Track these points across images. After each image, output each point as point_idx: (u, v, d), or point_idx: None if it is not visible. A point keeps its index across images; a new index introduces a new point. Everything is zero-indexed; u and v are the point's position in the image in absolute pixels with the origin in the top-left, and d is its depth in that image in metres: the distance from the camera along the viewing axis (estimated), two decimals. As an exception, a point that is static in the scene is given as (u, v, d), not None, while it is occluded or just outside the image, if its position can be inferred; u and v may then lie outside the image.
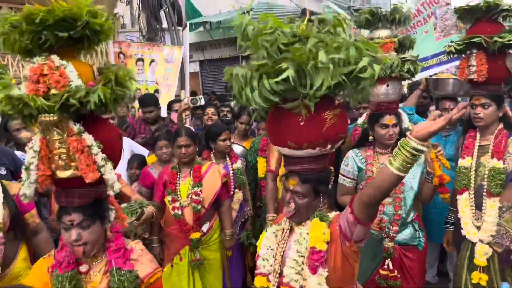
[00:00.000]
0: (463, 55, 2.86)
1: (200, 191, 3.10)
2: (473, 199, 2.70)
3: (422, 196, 2.77)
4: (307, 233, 1.71)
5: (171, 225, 3.15)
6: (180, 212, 3.08)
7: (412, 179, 2.75)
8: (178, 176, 3.19)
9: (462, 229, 2.72)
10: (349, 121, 2.00)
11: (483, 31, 2.67)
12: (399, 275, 2.70)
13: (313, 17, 1.68)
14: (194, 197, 3.09)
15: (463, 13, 2.83)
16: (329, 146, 1.65)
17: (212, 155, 3.67)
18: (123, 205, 3.06)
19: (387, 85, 2.72)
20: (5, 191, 2.42)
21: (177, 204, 3.10)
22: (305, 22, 1.64)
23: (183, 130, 3.27)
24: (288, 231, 1.84)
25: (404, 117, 3.82)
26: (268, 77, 1.52)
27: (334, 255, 1.66)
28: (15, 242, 2.48)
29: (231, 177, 3.57)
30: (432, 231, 3.41)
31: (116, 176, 3.06)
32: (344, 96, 1.73)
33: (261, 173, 3.72)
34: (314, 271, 1.64)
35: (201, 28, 11.75)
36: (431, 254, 3.78)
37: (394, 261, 2.73)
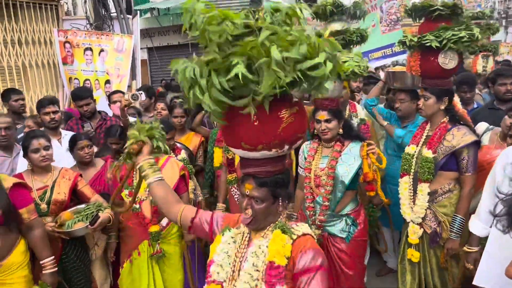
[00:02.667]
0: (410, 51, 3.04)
1: None
2: (412, 183, 2.94)
3: (361, 191, 2.88)
4: (267, 246, 1.60)
5: (130, 220, 3.14)
6: (138, 206, 3.08)
7: (344, 173, 2.78)
8: (135, 170, 3.17)
9: (401, 209, 2.98)
10: None
11: (432, 29, 2.83)
12: None
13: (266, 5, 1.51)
14: None
15: (413, 11, 2.99)
16: (286, 147, 1.54)
17: None
18: (81, 206, 3.03)
19: None
20: None
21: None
22: (260, 12, 1.49)
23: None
24: (248, 235, 1.72)
25: (359, 108, 4.04)
26: (218, 74, 1.38)
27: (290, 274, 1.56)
28: (10, 235, 2.51)
29: None
30: (397, 220, 3.53)
31: (76, 176, 3.05)
32: (300, 91, 1.58)
33: (216, 162, 3.76)
34: (271, 287, 1.54)
35: (149, 15, 11.47)
36: (391, 240, 3.99)
37: (323, 248, 2.73)
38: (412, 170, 2.93)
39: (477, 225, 2.54)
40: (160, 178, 1.88)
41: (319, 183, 2.85)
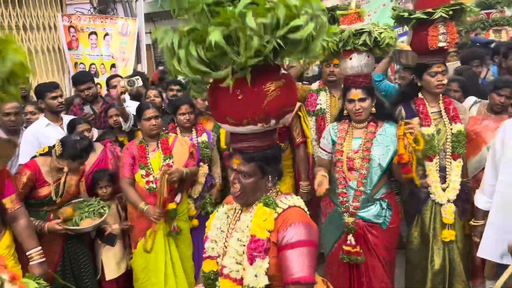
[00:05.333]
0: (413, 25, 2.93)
1: (172, 162, 3.16)
2: (438, 163, 2.88)
3: (395, 175, 2.70)
4: (251, 220, 1.59)
5: (145, 200, 3.13)
6: (154, 185, 3.11)
7: (381, 156, 2.62)
8: (147, 150, 3.20)
9: (433, 193, 2.86)
10: None
11: (432, 4, 2.78)
12: (361, 251, 2.64)
13: None
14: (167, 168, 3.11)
15: None
16: (272, 122, 1.49)
17: (177, 128, 3.66)
18: (79, 200, 3.01)
19: (350, 58, 2.63)
20: None
21: (150, 178, 3.12)
22: None
23: (150, 103, 3.28)
24: (240, 211, 1.71)
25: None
26: (196, 44, 1.34)
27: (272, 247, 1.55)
28: None
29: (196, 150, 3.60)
30: None
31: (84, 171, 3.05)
32: (291, 59, 1.52)
33: (223, 144, 3.73)
34: (251, 261, 1.51)
35: (152, -1, 11.32)
36: None
37: (359, 236, 2.67)
38: (437, 150, 2.86)
39: (482, 199, 2.62)
40: None
41: (353, 166, 2.67)
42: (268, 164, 1.59)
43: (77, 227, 2.83)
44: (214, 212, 1.79)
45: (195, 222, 3.41)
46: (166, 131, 3.49)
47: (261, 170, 1.59)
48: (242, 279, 1.56)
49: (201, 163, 3.60)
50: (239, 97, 1.43)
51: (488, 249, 2.49)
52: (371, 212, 2.67)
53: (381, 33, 2.58)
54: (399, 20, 2.94)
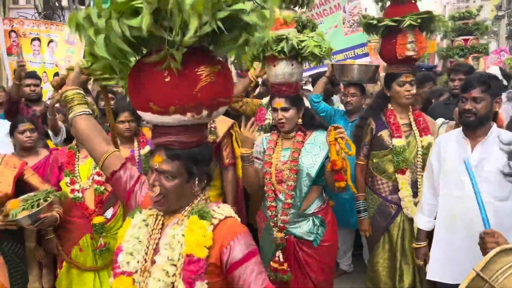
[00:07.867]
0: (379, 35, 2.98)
1: None
2: (410, 177, 2.82)
3: (329, 184, 2.52)
4: (183, 235, 1.36)
5: (69, 212, 2.83)
6: (80, 195, 2.81)
7: (310, 165, 2.49)
8: (76, 156, 2.92)
9: (406, 208, 2.80)
10: None
11: (401, 13, 2.82)
12: (288, 269, 2.48)
13: None
14: (96, 177, 2.84)
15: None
16: (204, 113, 1.31)
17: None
18: (31, 194, 2.71)
19: (274, 66, 2.54)
20: None
21: (76, 186, 2.82)
22: None
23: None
24: (162, 218, 1.48)
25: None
26: (119, 18, 1.16)
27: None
28: None
29: (137, 163, 3.30)
30: (345, 217, 3.44)
31: (22, 164, 2.76)
32: (224, 51, 1.38)
33: None
34: (190, 285, 1.31)
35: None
36: (345, 242, 3.83)
37: (289, 253, 2.51)
38: (409, 163, 2.81)
39: (422, 219, 2.58)
40: (86, 113, 1.63)
41: (282, 178, 2.53)
42: (196, 164, 1.39)
43: (13, 219, 2.51)
44: (128, 218, 1.52)
45: None
46: None
47: (188, 171, 1.38)
48: None
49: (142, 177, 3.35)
50: (166, 79, 1.24)
51: (438, 270, 2.40)
52: (302, 228, 2.51)
53: (302, 41, 2.48)
54: (369, 29, 2.97)
